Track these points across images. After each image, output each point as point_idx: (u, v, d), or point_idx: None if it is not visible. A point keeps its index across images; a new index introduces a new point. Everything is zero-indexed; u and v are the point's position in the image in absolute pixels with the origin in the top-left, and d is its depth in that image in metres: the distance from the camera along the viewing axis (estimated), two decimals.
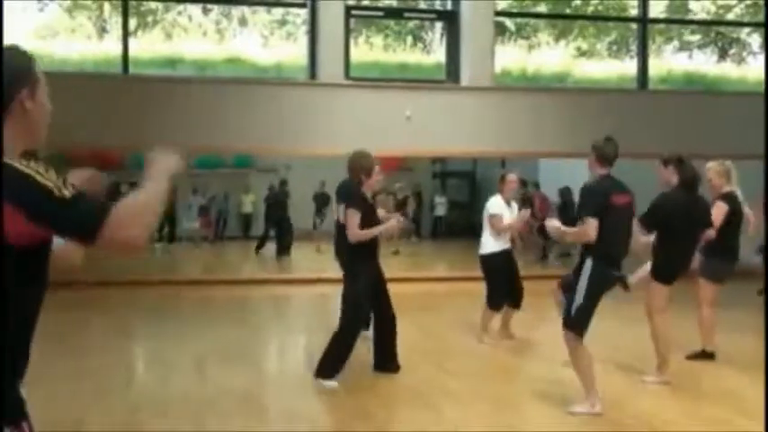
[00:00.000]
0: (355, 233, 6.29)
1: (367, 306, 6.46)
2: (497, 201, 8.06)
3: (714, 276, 7.14)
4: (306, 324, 9.81)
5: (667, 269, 6.50)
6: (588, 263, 5.42)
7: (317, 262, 15.81)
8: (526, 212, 8.22)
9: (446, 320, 9.79)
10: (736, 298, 9.80)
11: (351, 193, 6.51)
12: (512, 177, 8.13)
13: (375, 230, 6.39)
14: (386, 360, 6.78)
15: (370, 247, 6.50)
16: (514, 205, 8.29)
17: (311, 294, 12.56)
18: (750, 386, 6.44)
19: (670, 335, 6.59)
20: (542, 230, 17.01)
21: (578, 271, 5.50)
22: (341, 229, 6.70)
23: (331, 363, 6.44)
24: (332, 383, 6.38)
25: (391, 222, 6.58)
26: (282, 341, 9.19)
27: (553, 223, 5.82)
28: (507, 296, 8.12)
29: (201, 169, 22.49)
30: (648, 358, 6.77)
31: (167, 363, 7.57)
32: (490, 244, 8.04)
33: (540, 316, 9.59)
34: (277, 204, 17.91)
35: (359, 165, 6.49)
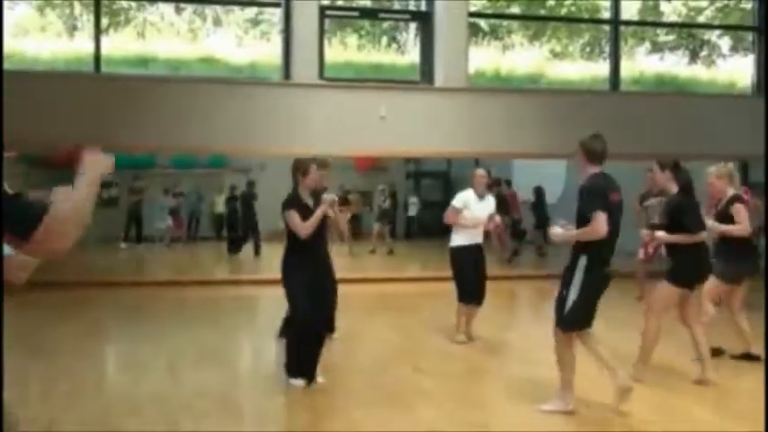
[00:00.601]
0: (303, 227, 6.32)
1: (307, 304, 6.35)
2: (465, 194, 8.19)
3: (735, 279, 7.20)
4: (279, 325, 9.78)
5: (683, 271, 6.50)
6: (582, 260, 5.39)
7: None
8: (498, 220, 8.32)
9: (421, 320, 9.82)
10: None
11: (286, 199, 6.57)
12: (479, 172, 8.35)
13: (317, 213, 6.38)
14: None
15: (306, 250, 6.44)
16: (490, 198, 8.37)
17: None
18: (733, 385, 6.54)
19: (658, 339, 6.62)
20: (516, 230, 17.19)
21: (571, 269, 5.47)
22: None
23: (290, 362, 6.49)
24: (297, 382, 6.42)
25: (326, 197, 6.52)
26: (256, 342, 9.17)
27: (555, 231, 5.65)
28: (474, 291, 8.16)
29: (175, 169, 22.42)
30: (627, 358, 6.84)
31: (141, 364, 7.54)
32: (458, 238, 8.16)
33: (513, 316, 9.67)
34: (245, 205, 17.86)
35: (295, 166, 6.57)
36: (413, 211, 24.27)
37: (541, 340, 8.62)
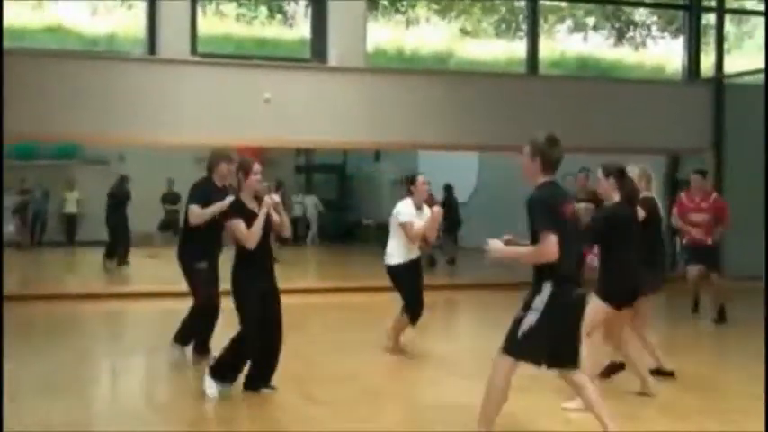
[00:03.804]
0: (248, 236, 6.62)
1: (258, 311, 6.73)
2: (405, 207, 8.50)
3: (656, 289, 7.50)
4: (145, 345, 9.59)
5: (611, 287, 6.67)
6: (547, 287, 5.24)
7: (160, 271, 15.62)
8: (439, 210, 8.52)
9: (312, 339, 9.79)
10: None
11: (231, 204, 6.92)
12: (422, 179, 8.61)
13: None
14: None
15: (254, 252, 6.70)
16: (426, 210, 8.62)
17: (153, 310, 12.30)
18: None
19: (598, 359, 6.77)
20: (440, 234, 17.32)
21: (534, 292, 5.29)
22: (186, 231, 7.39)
23: (222, 365, 6.80)
24: (212, 390, 6.75)
25: (267, 200, 6.75)
26: (115, 366, 8.95)
27: (495, 244, 5.41)
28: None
29: (15, 161, 21.65)
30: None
31: None
32: (396, 254, 8.54)
33: (421, 331, 9.72)
34: (114, 204, 17.42)
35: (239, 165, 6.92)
36: (302, 211, 24.06)
37: (447, 358, 8.75)
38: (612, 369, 7.47)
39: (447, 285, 14.50)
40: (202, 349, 8.04)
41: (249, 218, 6.62)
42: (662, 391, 6.99)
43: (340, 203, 25.56)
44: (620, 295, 6.73)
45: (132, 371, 8.58)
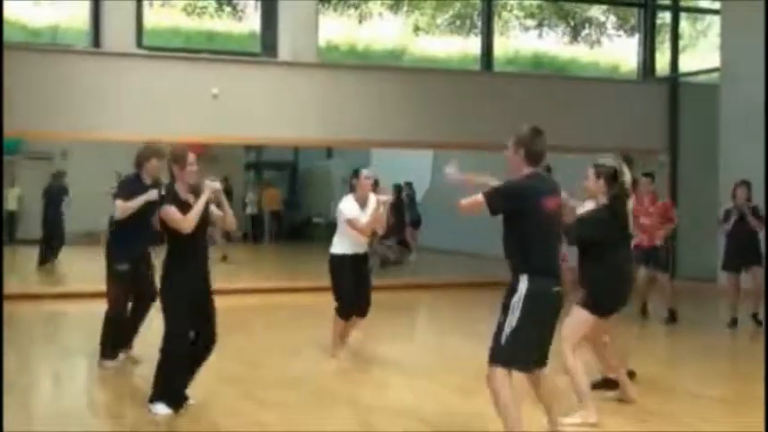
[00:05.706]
0: (185, 220, 6.25)
1: (185, 321, 6.39)
2: (348, 205, 8.46)
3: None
4: (86, 347, 9.51)
5: (600, 296, 6.45)
6: (523, 282, 5.16)
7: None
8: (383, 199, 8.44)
9: (259, 340, 9.77)
10: None
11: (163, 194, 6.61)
12: (366, 173, 8.59)
13: (200, 202, 6.32)
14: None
15: (188, 255, 6.45)
16: (372, 198, 8.53)
17: (96, 311, 12.18)
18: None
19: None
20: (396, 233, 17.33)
21: (511, 292, 5.20)
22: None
23: (157, 386, 6.43)
24: (161, 409, 6.38)
25: (208, 184, 6.49)
26: (55, 368, 8.89)
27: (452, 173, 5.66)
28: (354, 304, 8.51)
29: None
30: None
31: None
32: (340, 244, 8.55)
33: (372, 332, 9.77)
34: (50, 201, 17.21)
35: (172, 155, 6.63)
36: (252, 209, 23.95)
37: (400, 361, 8.80)
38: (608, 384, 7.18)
39: (402, 286, 14.51)
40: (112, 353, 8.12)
41: (184, 209, 6.28)
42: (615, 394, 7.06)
43: (290, 201, 25.52)
44: (612, 303, 6.53)
45: (73, 373, 8.51)
